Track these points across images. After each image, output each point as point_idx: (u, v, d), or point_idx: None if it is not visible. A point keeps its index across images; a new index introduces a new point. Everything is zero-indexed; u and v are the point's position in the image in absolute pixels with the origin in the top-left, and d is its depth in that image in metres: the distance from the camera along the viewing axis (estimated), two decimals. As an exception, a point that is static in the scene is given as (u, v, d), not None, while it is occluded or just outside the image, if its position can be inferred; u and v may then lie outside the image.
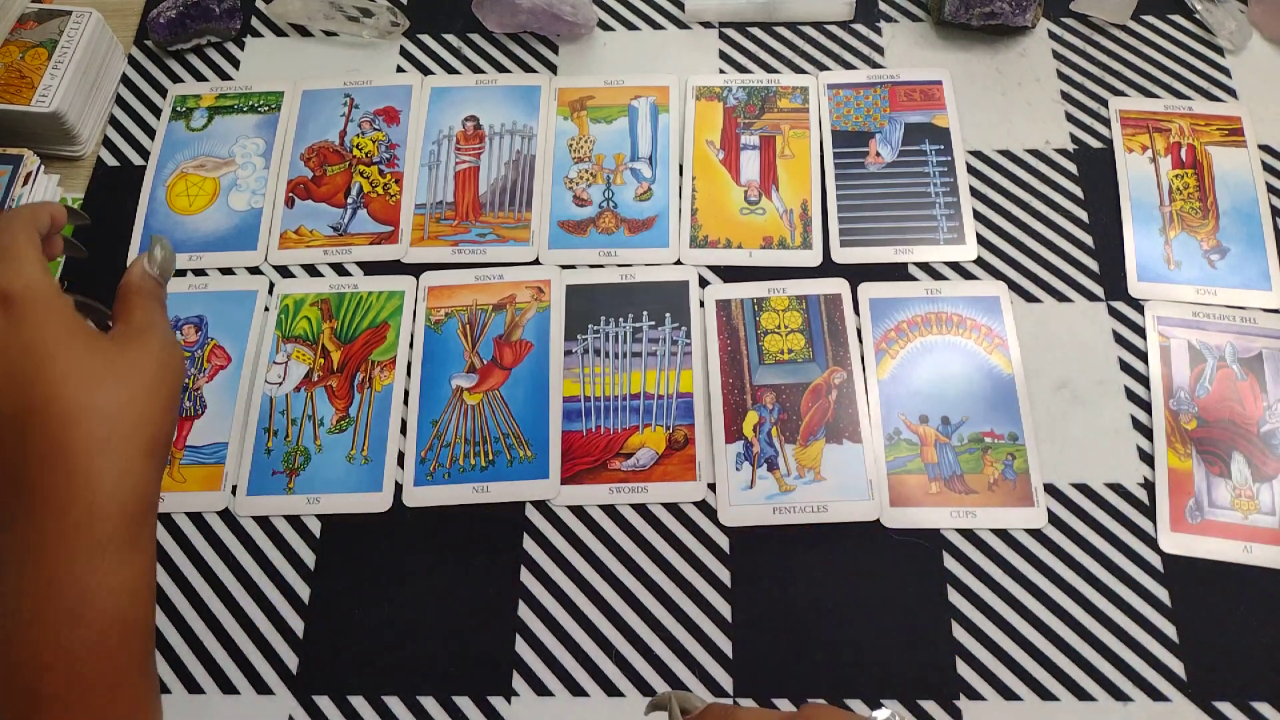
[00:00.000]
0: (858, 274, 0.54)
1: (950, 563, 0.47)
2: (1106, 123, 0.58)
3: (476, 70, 0.62)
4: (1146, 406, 0.50)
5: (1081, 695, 0.45)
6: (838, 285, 0.54)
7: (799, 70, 0.61)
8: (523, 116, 0.60)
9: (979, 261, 0.55)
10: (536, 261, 0.55)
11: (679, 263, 0.55)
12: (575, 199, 0.57)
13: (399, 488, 0.50)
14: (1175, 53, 0.60)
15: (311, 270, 0.56)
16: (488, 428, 0.51)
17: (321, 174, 0.58)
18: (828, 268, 0.55)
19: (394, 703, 0.46)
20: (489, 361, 0.53)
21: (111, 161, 0.60)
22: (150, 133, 0.61)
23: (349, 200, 0.57)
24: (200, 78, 0.62)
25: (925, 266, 0.55)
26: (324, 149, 0.59)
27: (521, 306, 0.54)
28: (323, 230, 0.57)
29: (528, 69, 0.62)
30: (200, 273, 0.56)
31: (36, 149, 0.58)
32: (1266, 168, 0.56)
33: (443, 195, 0.58)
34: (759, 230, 0.56)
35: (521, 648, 0.47)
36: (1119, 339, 0.52)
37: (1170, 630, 0.46)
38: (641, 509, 0.49)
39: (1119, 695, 0.45)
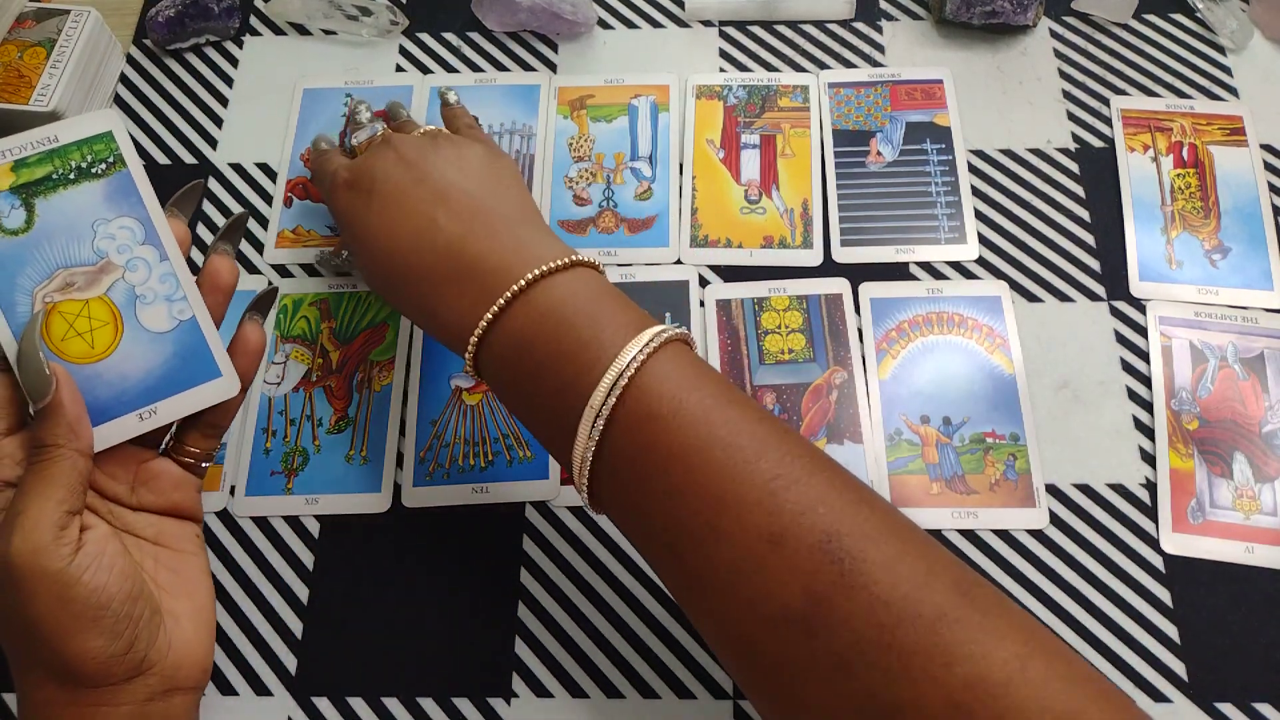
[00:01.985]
0: (858, 273, 0.54)
1: (951, 563, 0.47)
2: (1108, 122, 0.58)
3: (476, 69, 0.62)
4: (1148, 407, 0.50)
5: (1083, 696, 0.45)
6: (838, 285, 0.54)
7: (799, 69, 0.61)
8: (522, 115, 0.60)
9: (980, 261, 0.54)
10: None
11: (679, 262, 0.55)
12: (575, 198, 0.57)
13: (398, 488, 0.50)
14: (1177, 52, 0.60)
15: (310, 269, 0.56)
16: (487, 428, 0.51)
17: None
18: (828, 267, 0.54)
19: (393, 704, 0.45)
20: (488, 361, 0.52)
21: (110, 161, 0.60)
22: (150, 132, 0.61)
23: None
24: (199, 77, 0.62)
25: (926, 266, 0.54)
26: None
27: (521, 306, 0.54)
28: (320, 230, 0.56)
29: (527, 68, 0.61)
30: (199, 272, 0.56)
31: (35, 148, 0.58)
32: (1268, 167, 0.56)
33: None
34: (759, 230, 0.55)
35: (521, 649, 0.46)
36: (1120, 339, 0.52)
37: (1172, 631, 0.46)
38: (641, 509, 0.49)
39: (1120, 696, 0.44)
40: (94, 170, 0.38)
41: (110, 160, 0.39)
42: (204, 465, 0.41)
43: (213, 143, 0.60)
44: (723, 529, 0.31)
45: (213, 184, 0.59)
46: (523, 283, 0.36)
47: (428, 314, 0.40)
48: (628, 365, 0.33)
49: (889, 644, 0.29)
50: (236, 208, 0.58)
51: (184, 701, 0.37)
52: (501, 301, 0.36)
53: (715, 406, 0.33)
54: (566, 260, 0.37)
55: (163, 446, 0.41)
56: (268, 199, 0.58)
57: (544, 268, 0.37)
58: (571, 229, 0.56)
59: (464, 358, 0.38)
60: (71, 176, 0.38)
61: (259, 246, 0.56)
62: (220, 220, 0.58)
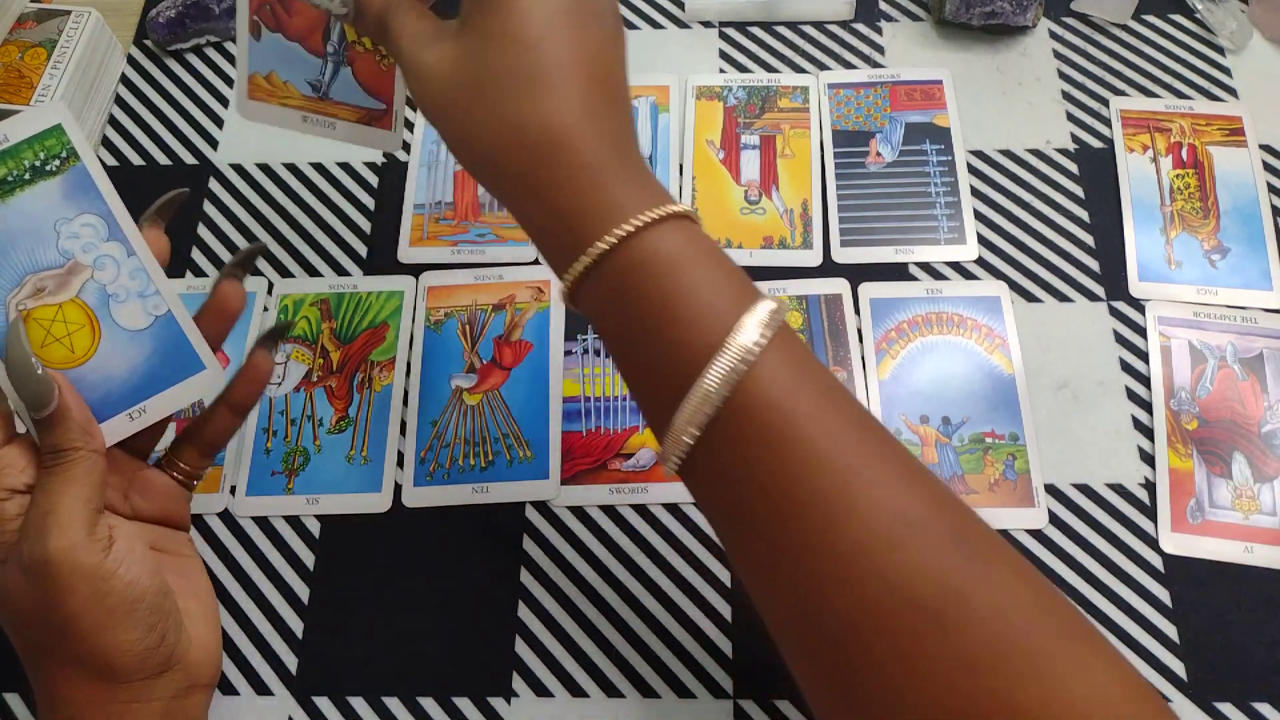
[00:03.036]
0: (858, 274, 0.54)
1: (951, 563, 0.47)
2: (1107, 122, 0.58)
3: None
4: (1147, 406, 0.50)
5: (1082, 696, 0.45)
6: (838, 285, 0.54)
7: (799, 70, 0.61)
8: None
9: (980, 261, 0.54)
10: (536, 261, 0.55)
11: (679, 263, 0.55)
12: (575, 199, 0.57)
13: (398, 488, 0.50)
14: (1176, 52, 0.60)
15: (310, 270, 0.56)
16: (487, 428, 0.51)
17: None
18: (828, 268, 0.54)
19: (393, 703, 0.45)
20: (488, 362, 0.52)
21: (111, 161, 0.60)
22: (150, 132, 0.61)
23: (328, 49, 0.42)
24: (200, 77, 0.62)
25: (926, 266, 0.54)
26: None
27: (521, 307, 0.54)
28: (298, 86, 0.43)
29: (527, 68, 0.61)
30: (200, 273, 0.56)
31: (35, 149, 0.58)
32: (1267, 167, 0.56)
33: (442, 195, 0.57)
34: (759, 230, 0.56)
35: (521, 648, 0.46)
36: (1120, 339, 0.52)
37: (1171, 631, 0.46)
38: (641, 509, 0.49)
39: (1120, 696, 0.44)
40: (48, 168, 0.36)
41: (64, 155, 0.37)
42: (195, 482, 0.41)
43: (213, 143, 0.60)
44: (856, 507, 0.29)
45: (213, 185, 0.59)
46: (610, 243, 0.32)
47: (523, 220, 0.35)
48: (744, 354, 0.30)
49: (1023, 648, 0.28)
50: (237, 208, 0.58)
51: (201, 699, 0.37)
52: (587, 260, 0.32)
53: (837, 387, 0.32)
54: (660, 214, 0.32)
55: (154, 458, 0.41)
56: (270, 200, 0.58)
57: (635, 223, 0.32)
58: (571, 229, 0.56)
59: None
60: (27, 177, 0.36)
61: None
62: (221, 222, 0.58)
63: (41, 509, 0.33)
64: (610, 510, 0.49)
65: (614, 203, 0.32)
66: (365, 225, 0.57)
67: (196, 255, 0.57)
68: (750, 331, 0.30)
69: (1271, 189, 0.55)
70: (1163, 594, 0.46)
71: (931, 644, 0.28)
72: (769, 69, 0.61)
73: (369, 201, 0.58)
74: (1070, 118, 0.59)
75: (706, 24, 0.63)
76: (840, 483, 0.30)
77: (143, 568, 0.35)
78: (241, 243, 0.57)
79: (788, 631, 0.32)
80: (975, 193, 0.56)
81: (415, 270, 0.55)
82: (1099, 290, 0.54)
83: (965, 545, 0.29)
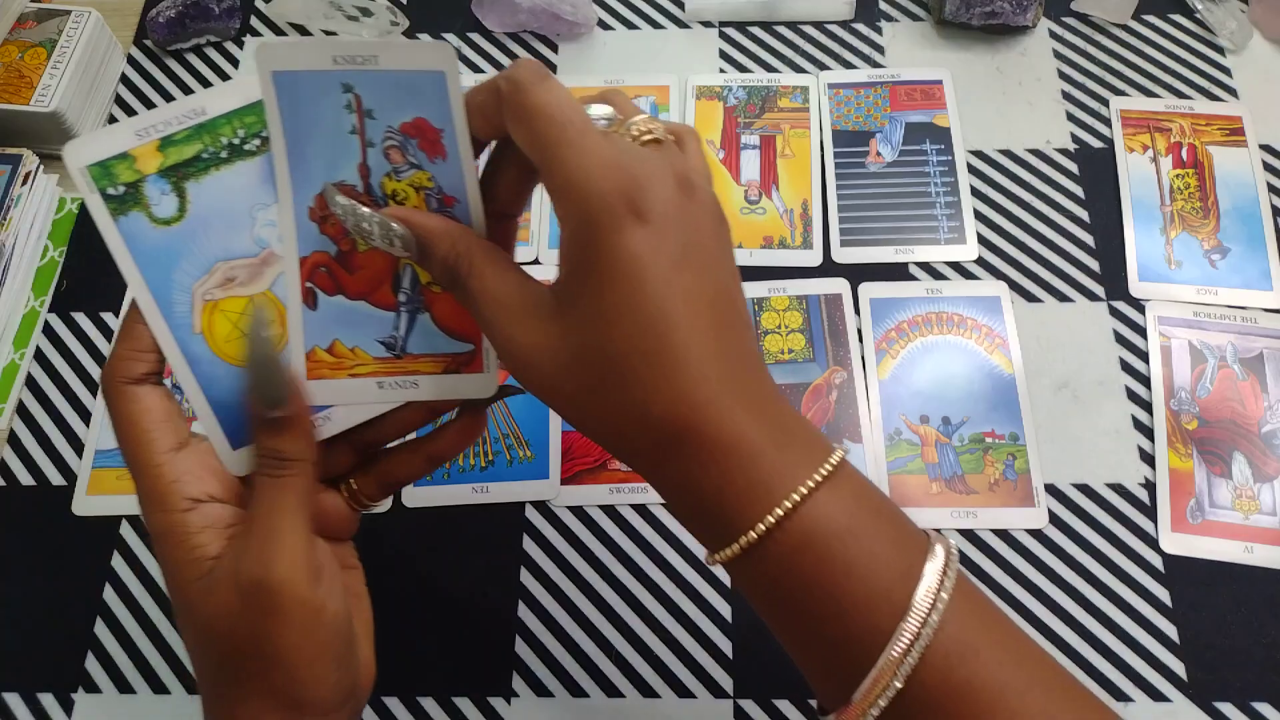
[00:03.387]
0: (858, 274, 0.54)
1: (951, 563, 0.47)
2: (1107, 122, 0.58)
3: (476, 70, 0.62)
4: (1147, 406, 0.50)
5: (1082, 696, 0.45)
6: (838, 285, 0.54)
7: (799, 70, 0.61)
8: None
9: (980, 261, 0.54)
10: (536, 261, 0.55)
11: (679, 262, 0.55)
12: (575, 199, 0.57)
13: (398, 488, 0.50)
14: (1176, 52, 0.60)
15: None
16: (487, 428, 0.51)
17: (350, 249, 0.33)
18: (828, 267, 0.54)
19: (393, 703, 0.45)
20: (489, 361, 0.52)
21: (111, 161, 0.60)
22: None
23: (400, 299, 0.34)
24: (200, 77, 0.62)
25: (926, 266, 0.54)
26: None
27: (521, 306, 0.54)
28: (368, 349, 0.34)
29: (527, 68, 0.62)
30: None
31: (36, 149, 0.58)
32: (1267, 167, 0.56)
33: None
34: (759, 230, 0.56)
35: (521, 648, 0.46)
36: (1120, 339, 0.52)
37: (1171, 630, 0.46)
38: (641, 509, 0.49)
39: (1119, 695, 0.44)
40: (247, 147, 0.32)
41: (264, 135, 0.32)
42: (367, 510, 0.38)
43: (213, 143, 0.60)
44: None
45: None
46: (763, 530, 0.28)
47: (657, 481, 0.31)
48: (923, 625, 0.27)
49: None
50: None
51: (359, 712, 0.34)
52: (739, 548, 0.29)
53: (1014, 631, 0.30)
54: (821, 475, 0.29)
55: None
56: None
57: (797, 496, 0.28)
58: (571, 229, 0.56)
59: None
60: (224, 155, 0.32)
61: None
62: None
63: (265, 528, 0.30)
64: (610, 510, 0.49)
65: (764, 480, 0.29)
66: (365, 225, 0.57)
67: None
68: (928, 592, 0.28)
69: (1271, 189, 0.55)
70: (1163, 594, 0.46)
71: None
72: (769, 69, 0.61)
73: (369, 201, 0.58)
74: (1070, 118, 0.59)
75: (706, 24, 0.63)
76: None
77: (344, 600, 0.32)
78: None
79: None
80: (975, 193, 0.56)
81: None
82: (1099, 290, 0.53)
83: None
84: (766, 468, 0.29)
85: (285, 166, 0.32)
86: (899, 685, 0.28)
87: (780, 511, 0.28)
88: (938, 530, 0.30)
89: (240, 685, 0.31)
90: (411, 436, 0.37)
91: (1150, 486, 0.49)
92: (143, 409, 0.31)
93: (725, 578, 0.47)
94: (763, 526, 0.28)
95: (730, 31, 0.62)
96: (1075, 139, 0.58)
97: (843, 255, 0.55)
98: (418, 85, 0.31)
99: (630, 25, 0.63)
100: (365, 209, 0.31)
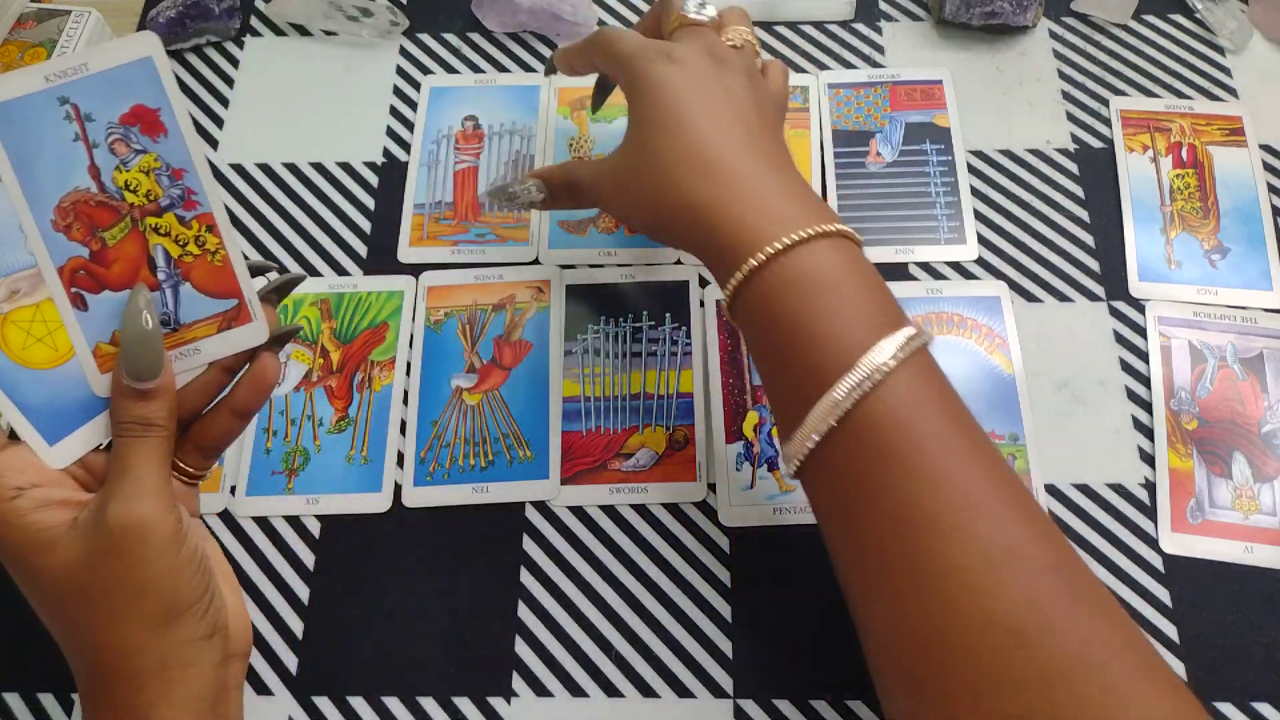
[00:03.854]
0: (858, 274, 0.54)
1: (951, 563, 0.47)
2: (1107, 122, 0.58)
3: (476, 70, 0.62)
4: (1147, 406, 0.50)
5: (1082, 696, 0.45)
6: (838, 285, 0.54)
7: (799, 69, 0.61)
8: (522, 116, 0.60)
9: (980, 261, 0.54)
10: (536, 261, 0.55)
11: (679, 263, 0.55)
12: (575, 199, 0.57)
13: (398, 488, 0.50)
14: (1176, 52, 0.60)
15: (310, 269, 0.56)
16: (487, 428, 0.51)
17: (101, 246, 0.36)
18: (828, 267, 0.54)
19: (393, 703, 0.45)
20: (488, 362, 0.52)
21: (111, 161, 0.60)
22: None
23: (160, 276, 0.37)
24: (199, 77, 0.62)
25: (926, 266, 0.54)
26: (82, 205, 0.36)
27: (521, 306, 0.54)
28: None
29: (528, 69, 0.62)
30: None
31: (35, 149, 0.58)
32: (1267, 167, 0.56)
33: (442, 195, 0.57)
34: (759, 230, 0.55)
35: (521, 648, 0.46)
36: (1120, 339, 0.52)
37: (1171, 631, 0.46)
38: (641, 509, 0.49)
39: (1120, 696, 0.44)
40: None
41: None
42: (198, 481, 0.41)
43: (214, 143, 0.60)
44: (961, 530, 0.31)
45: (213, 184, 0.59)
46: (760, 259, 0.35)
47: (692, 236, 0.39)
48: (873, 372, 0.33)
49: (1098, 674, 0.30)
50: (237, 208, 0.58)
51: (239, 669, 0.38)
52: (740, 276, 0.36)
53: (963, 417, 0.34)
54: (815, 230, 0.36)
55: None
56: (270, 200, 0.58)
57: (790, 239, 0.35)
58: (571, 229, 0.56)
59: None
60: None
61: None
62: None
63: (131, 477, 0.34)
64: (610, 510, 0.49)
65: (767, 220, 0.36)
66: (365, 225, 0.57)
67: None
68: (884, 352, 0.33)
69: (1271, 189, 0.55)
70: (1163, 594, 0.46)
71: (1013, 659, 0.30)
72: (769, 69, 0.61)
73: (369, 201, 0.58)
74: (1070, 118, 0.59)
75: (706, 24, 0.63)
76: (948, 505, 0.32)
77: (201, 540, 0.36)
78: (243, 244, 0.57)
79: (880, 637, 0.34)
80: (975, 193, 0.56)
81: (415, 270, 0.55)
82: (1099, 290, 0.54)
83: (1060, 577, 0.31)
84: (775, 212, 0.36)
85: (18, 189, 0.35)
86: (833, 422, 0.33)
87: (779, 245, 0.35)
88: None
89: (110, 624, 0.34)
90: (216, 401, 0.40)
91: (1150, 486, 0.49)
92: None
93: (725, 577, 0.48)
94: (763, 255, 0.35)
95: (730, 31, 0.62)
96: (1075, 139, 0.58)
97: (843, 255, 0.55)
98: (129, 76, 0.35)
99: (630, 25, 0.63)
100: (529, 181, 0.47)
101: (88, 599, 0.34)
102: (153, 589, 0.34)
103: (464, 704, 0.45)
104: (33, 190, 0.35)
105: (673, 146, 0.39)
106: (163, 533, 0.34)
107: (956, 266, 0.54)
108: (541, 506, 0.50)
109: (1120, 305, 0.53)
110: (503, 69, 0.62)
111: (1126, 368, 0.52)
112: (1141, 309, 0.53)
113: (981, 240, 0.55)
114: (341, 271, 0.56)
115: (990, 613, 0.31)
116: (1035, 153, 0.58)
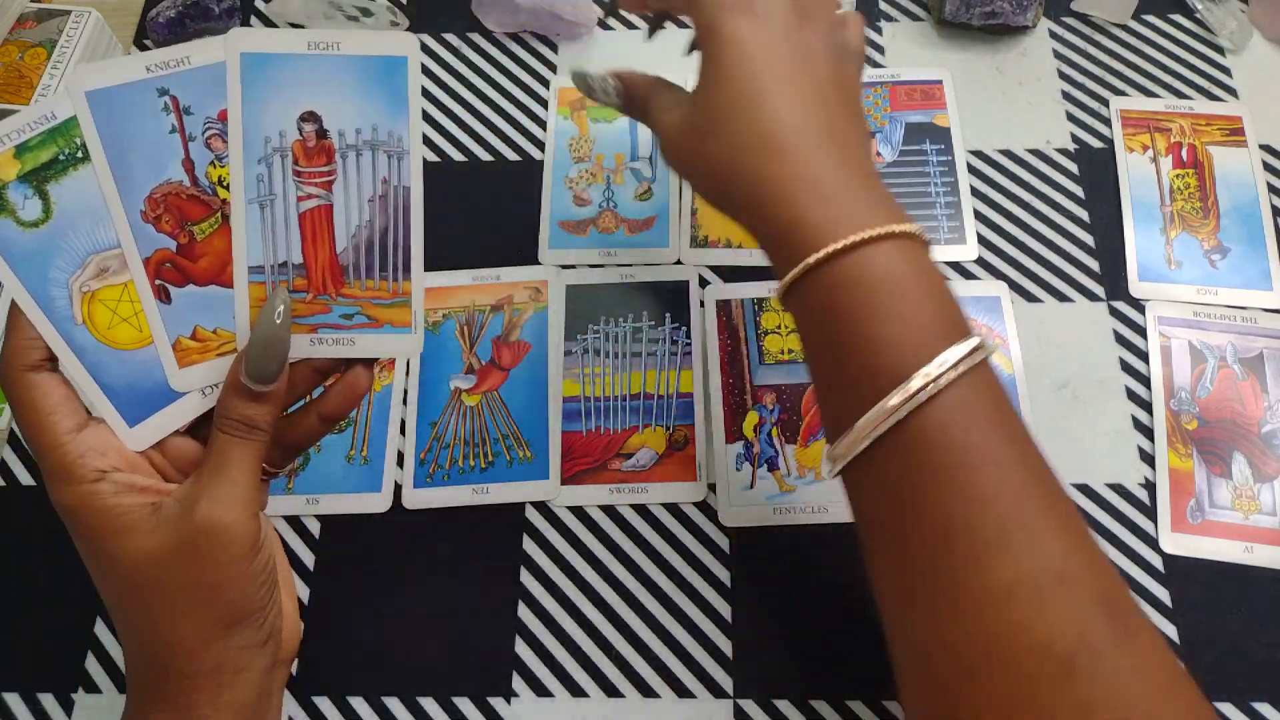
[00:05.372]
0: (858, 274, 0.54)
1: (951, 563, 0.47)
2: (1107, 122, 0.58)
3: (476, 70, 0.62)
4: (1147, 406, 0.50)
5: (1082, 696, 0.45)
6: (838, 285, 0.54)
7: (799, 70, 0.61)
8: (386, 119, 0.36)
9: (980, 261, 0.54)
10: (536, 261, 0.55)
11: (679, 263, 0.55)
12: (575, 199, 0.57)
13: (398, 488, 0.50)
14: (1176, 52, 0.60)
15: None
16: (487, 429, 0.51)
17: (189, 240, 0.36)
18: (828, 268, 0.54)
19: (393, 703, 0.45)
20: (487, 363, 0.52)
21: (110, 161, 0.60)
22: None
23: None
24: (199, 77, 0.62)
25: (926, 266, 0.54)
26: (174, 197, 0.35)
27: (519, 307, 0.54)
28: (230, 326, 0.36)
29: (528, 68, 0.62)
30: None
31: (35, 149, 0.58)
32: (1267, 167, 0.56)
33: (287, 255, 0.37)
34: (759, 230, 0.55)
35: (521, 648, 0.47)
36: (1120, 339, 0.52)
37: (1171, 631, 0.46)
38: (641, 509, 0.49)
39: (1120, 696, 0.44)
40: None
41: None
42: (273, 477, 0.41)
43: (213, 143, 0.60)
44: (1008, 553, 0.30)
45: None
46: (820, 257, 0.33)
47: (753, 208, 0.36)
48: (929, 383, 0.31)
49: (1143, 711, 0.29)
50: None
51: (283, 675, 0.38)
52: (798, 272, 0.34)
53: (1021, 435, 0.33)
54: (883, 230, 0.33)
55: None
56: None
57: (856, 237, 0.33)
58: (572, 229, 0.56)
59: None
60: (80, 155, 0.34)
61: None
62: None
63: (226, 477, 0.34)
64: (610, 510, 0.49)
65: (832, 216, 0.34)
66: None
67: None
68: (942, 364, 0.32)
69: (1271, 189, 0.55)
70: (1163, 594, 0.46)
71: (1057, 690, 0.29)
72: (769, 69, 0.61)
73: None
74: (1070, 118, 0.59)
75: (706, 24, 0.63)
76: (997, 528, 0.31)
77: (275, 551, 0.36)
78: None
79: (914, 650, 0.33)
80: (975, 193, 0.56)
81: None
82: (1099, 290, 0.53)
83: (1110, 610, 0.30)
84: (840, 208, 0.34)
85: (110, 178, 0.34)
86: (883, 431, 0.32)
87: (844, 243, 0.33)
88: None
89: (176, 621, 0.34)
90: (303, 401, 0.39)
91: (1150, 486, 0.49)
92: (41, 394, 0.33)
93: (725, 577, 0.48)
94: (825, 252, 0.33)
95: (730, 31, 0.62)
96: (1075, 139, 0.58)
97: (843, 255, 0.55)
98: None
99: (630, 25, 0.63)
100: (609, 81, 0.42)
101: (159, 593, 0.34)
102: (223, 593, 0.34)
103: (464, 704, 0.45)
104: (125, 178, 0.34)
105: (743, 122, 0.36)
106: (245, 540, 0.34)
107: (956, 266, 0.54)
108: (541, 507, 0.50)
109: (1120, 305, 0.53)
110: (503, 69, 0.62)
111: (1126, 368, 0.51)
112: (1141, 309, 0.53)
113: (981, 240, 0.55)
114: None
115: (1037, 640, 0.29)
116: (1035, 153, 0.58)
